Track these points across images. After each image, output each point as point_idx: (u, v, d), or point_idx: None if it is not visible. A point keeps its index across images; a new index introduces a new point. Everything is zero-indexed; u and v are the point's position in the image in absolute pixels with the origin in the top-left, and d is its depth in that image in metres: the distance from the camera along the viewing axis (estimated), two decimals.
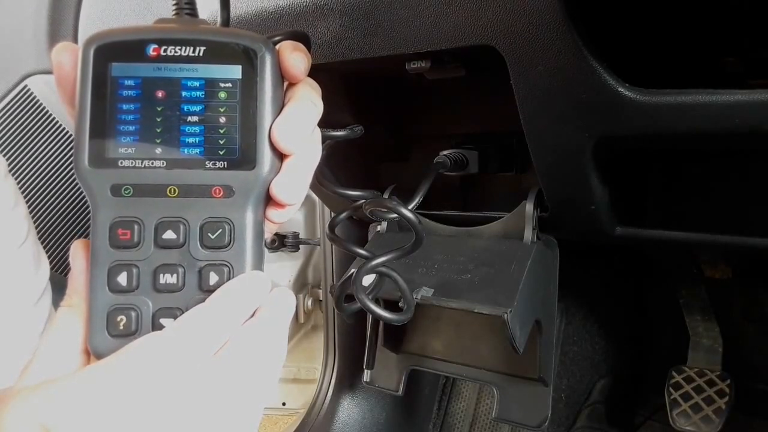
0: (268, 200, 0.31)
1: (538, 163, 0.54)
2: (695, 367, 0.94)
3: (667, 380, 0.93)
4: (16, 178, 0.87)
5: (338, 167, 0.71)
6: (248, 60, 0.30)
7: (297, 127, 0.31)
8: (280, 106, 0.31)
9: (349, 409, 0.95)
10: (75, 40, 0.82)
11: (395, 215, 0.44)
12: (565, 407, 1.05)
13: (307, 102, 0.32)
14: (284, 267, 1.26)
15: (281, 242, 1.17)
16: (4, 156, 0.89)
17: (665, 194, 0.62)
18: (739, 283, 0.98)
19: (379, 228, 0.72)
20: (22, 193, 0.86)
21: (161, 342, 0.27)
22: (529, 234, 0.62)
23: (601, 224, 0.59)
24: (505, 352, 0.71)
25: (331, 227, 0.49)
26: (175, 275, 0.30)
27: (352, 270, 0.53)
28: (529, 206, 0.62)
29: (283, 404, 1.28)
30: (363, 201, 0.45)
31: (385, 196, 0.69)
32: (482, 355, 0.73)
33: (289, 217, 0.33)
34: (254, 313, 0.31)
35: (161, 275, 0.29)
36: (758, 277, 0.97)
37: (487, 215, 0.66)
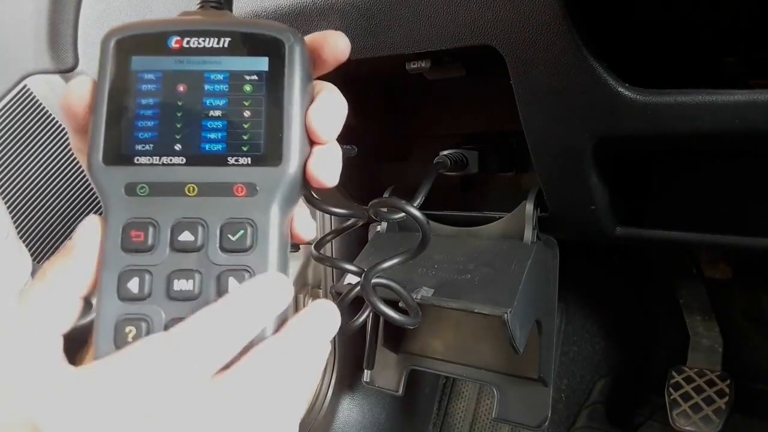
0: (295, 201, 0.30)
1: (538, 163, 0.54)
2: (695, 367, 0.94)
3: (667, 380, 0.93)
4: (15, 178, 0.87)
5: None
6: (276, 51, 0.29)
7: (335, 113, 0.30)
8: (309, 100, 0.29)
9: (349, 409, 0.95)
10: (75, 40, 0.82)
11: (400, 215, 0.44)
12: (565, 407, 1.05)
13: (339, 93, 0.30)
14: None
15: None
16: (4, 156, 0.89)
17: (665, 194, 0.62)
18: (739, 283, 0.98)
19: (379, 228, 0.72)
20: (22, 193, 0.86)
21: (157, 351, 0.25)
22: (529, 234, 0.62)
23: (601, 224, 0.59)
24: (505, 352, 0.71)
25: (317, 247, 0.49)
26: (191, 281, 0.27)
27: (348, 281, 0.53)
28: (529, 206, 0.62)
29: None
30: (352, 220, 0.45)
31: (385, 196, 0.69)
32: (482, 355, 0.73)
33: (313, 233, 0.32)
34: (281, 325, 0.28)
35: (176, 281, 0.27)
36: (758, 277, 0.97)
37: (487, 215, 0.66)
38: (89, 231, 0.28)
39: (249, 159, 0.28)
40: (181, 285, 0.27)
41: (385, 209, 0.46)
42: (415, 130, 0.75)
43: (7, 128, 0.91)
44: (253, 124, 0.28)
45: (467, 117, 0.70)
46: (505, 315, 0.54)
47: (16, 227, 0.88)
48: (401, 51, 0.49)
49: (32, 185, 0.93)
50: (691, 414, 0.89)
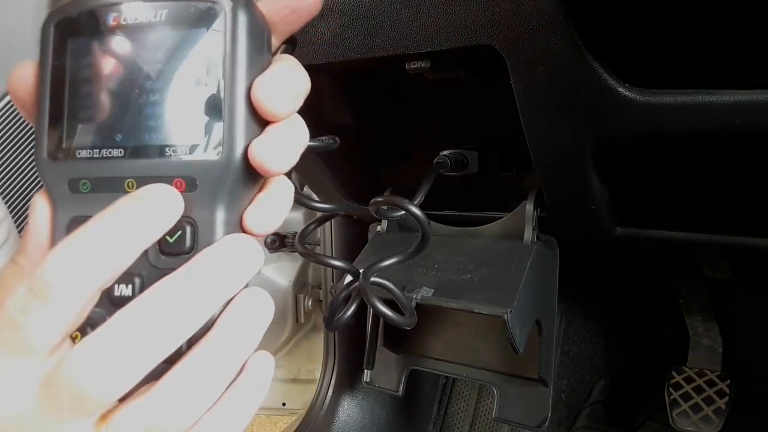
0: (245, 193, 0.26)
1: (538, 163, 0.54)
2: (695, 367, 0.94)
3: (667, 380, 0.93)
4: (15, 178, 0.87)
5: (338, 167, 0.71)
6: (215, 21, 0.25)
7: (289, 82, 0.25)
8: (258, 74, 0.25)
9: (349, 409, 0.95)
10: None
11: (400, 213, 0.44)
12: (565, 407, 1.05)
13: (297, 63, 0.26)
14: (284, 267, 1.26)
15: (281, 242, 1.17)
16: (4, 156, 0.89)
17: (665, 194, 0.62)
18: (739, 283, 0.98)
19: (379, 228, 0.72)
20: (23, 193, 0.86)
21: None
22: (529, 234, 0.62)
23: (601, 224, 0.59)
24: (505, 352, 0.71)
25: (301, 240, 0.47)
26: (130, 286, 0.25)
27: (347, 279, 0.53)
28: (529, 206, 0.62)
29: (283, 404, 1.28)
30: (330, 213, 0.45)
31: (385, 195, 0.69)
32: (482, 355, 0.73)
33: (273, 226, 0.27)
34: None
35: (116, 285, 0.25)
36: (758, 277, 0.97)
37: (487, 215, 0.66)
38: (36, 208, 0.27)
39: (187, 149, 0.25)
40: (121, 289, 0.25)
41: (386, 207, 0.46)
42: (415, 130, 0.74)
43: (7, 128, 0.91)
44: (192, 108, 0.25)
45: (467, 117, 0.70)
46: (505, 315, 0.54)
47: (17, 227, 0.88)
48: (401, 51, 0.49)
49: (32, 185, 0.93)
50: (691, 414, 0.89)
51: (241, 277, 0.25)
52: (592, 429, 0.98)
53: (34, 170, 0.93)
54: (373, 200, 0.45)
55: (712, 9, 0.43)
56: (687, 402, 0.90)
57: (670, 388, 0.92)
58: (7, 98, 0.91)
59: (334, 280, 0.94)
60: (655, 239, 0.60)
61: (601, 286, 1.11)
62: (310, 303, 1.30)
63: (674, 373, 0.94)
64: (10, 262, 0.26)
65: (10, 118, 0.91)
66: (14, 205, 0.89)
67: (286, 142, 0.25)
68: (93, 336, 0.23)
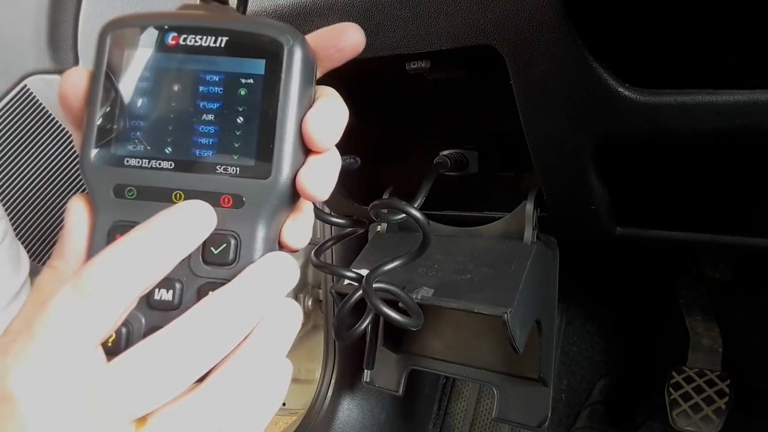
0: (286, 212, 0.29)
1: (538, 163, 0.54)
2: (695, 367, 0.94)
3: (667, 380, 0.93)
4: (15, 178, 0.87)
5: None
6: (274, 53, 0.27)
7: (335, 119, 0.28)
8: (308, 105, 0.28)
9: (349, 409, 0.95)
10: (75, 40, 0.82)
11: (401, 216, 0.44)
12: (565, 407, 1.05)
13: (340, 99, 0.29)
14: None
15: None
16: (4, 156, 0.89)
17: (665, 194, 0.62)
18: (739, 283, 0.98)
19: (379, 228, 0.72)
20: (22, 193, 0.86)
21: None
22: (529, 234, 0.62)
23: (601, 224, 0.59)
24: (505, 352, 0.71)
25: (317, 254, 0.48)
26: (171, 291, 0.27)
27: (348, 282, 0.53)
28: (529, 206, 0.62)
29: (283, 404, 1.28)
30: (348, 230, 0.45)
31: (385, 196, 0.69)
32: (482, 355, 0.73)
33: (307, 241, 0.30)
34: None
35: (157, 290, 0.26)
36: (758, 277, 0.97)
37: (487, 215, 0.66)
38: (73, 212, 0.28)
39: (238, 169, 0.27)
40: (161, 294, 0.26)
41: (386, 210, 0.46)
42: (415, 130, 0.74)
43: (7, 128, 0.91)
44: (244, 131, 0.27)
45: (467, 117, 0.70)
46: (506, 315, 0.54)
47: (16, 227, 0.88)
48: (401, 51, 0.49)
49: (32, 185, 0.93)
50: (691, 414, 0.89)
51: (282, 292, 0.27)
52: (592, 429, 0.98)
53: (33, 171, 0.93)
54: (373, 203, 0.45)
55: (713, 9, 0.43)
56: (687, 402, 0.90)
57: (670, 388, 0.92)
58: (7, 98, 0.91)
59: (334, 280, 0.94)
60: (655, 239, 0.60)
61: (601, 286, 1.11)
62: (310, 303, 1.30)
63: (674, 373, 0.94)
64: (47, 267, 0.27)
65: (10, 118, 0.91)
66: (13, 205, 0.89)
67: (328, 171, 0.28)
68: (137, 348, 0.24)
